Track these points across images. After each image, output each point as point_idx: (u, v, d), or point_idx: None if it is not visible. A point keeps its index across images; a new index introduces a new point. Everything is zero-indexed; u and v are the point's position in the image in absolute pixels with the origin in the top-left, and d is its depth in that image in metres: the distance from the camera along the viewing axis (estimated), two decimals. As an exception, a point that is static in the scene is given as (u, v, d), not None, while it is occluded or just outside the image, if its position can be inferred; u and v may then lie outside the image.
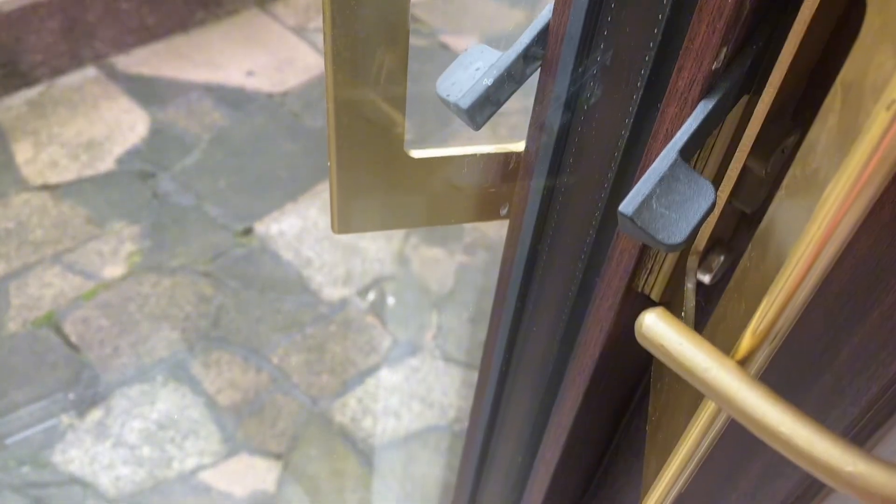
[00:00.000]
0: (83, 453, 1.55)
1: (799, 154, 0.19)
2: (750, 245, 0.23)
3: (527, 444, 0.42)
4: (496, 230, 2.04)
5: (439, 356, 1.78)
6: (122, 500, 1.50)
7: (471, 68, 0.27)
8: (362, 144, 0.31)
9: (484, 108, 0.27)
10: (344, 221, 0.34)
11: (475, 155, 0.33)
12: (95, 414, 1.61)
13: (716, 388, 0.20)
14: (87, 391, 1.63)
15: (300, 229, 1.96)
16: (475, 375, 1.78)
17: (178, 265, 1.85)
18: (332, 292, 1.86)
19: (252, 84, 2.32)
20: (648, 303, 0.33)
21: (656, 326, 0.21)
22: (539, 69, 0.30)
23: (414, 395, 1.72)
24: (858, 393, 0.31)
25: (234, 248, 1.90)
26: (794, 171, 0.19)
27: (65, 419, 1.59)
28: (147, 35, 2.35)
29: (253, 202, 2.00)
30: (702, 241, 0.29)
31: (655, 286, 0.31)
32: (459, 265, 1.97)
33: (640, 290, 0.32)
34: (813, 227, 0.18)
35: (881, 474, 0.17)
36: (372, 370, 1.74)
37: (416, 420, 1.67)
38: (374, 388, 1.72)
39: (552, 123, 0.28)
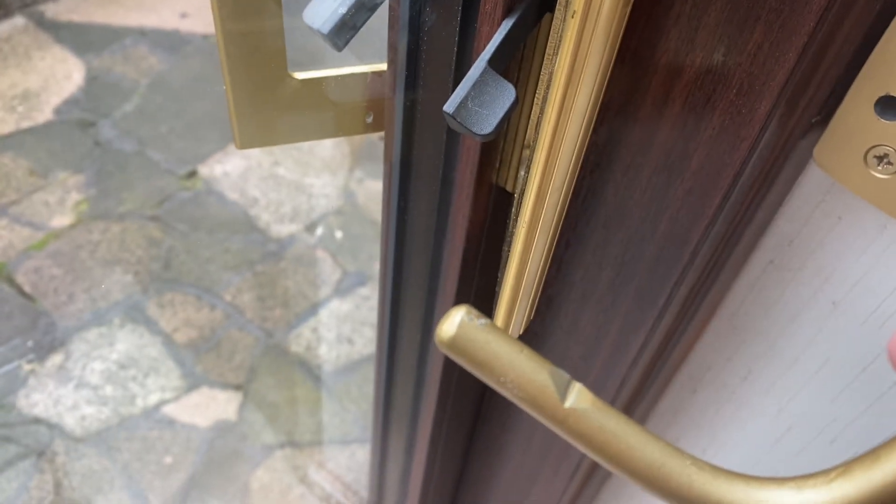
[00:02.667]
0: (46, 396, 1.60)
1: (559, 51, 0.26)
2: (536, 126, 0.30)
3: (422, 326, 0.49)
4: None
5: (388, 285, 1.85)
6: (89, 438, 1.56)
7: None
8: (251, 69, 0.36)
9: (342, 32, 0.32)
10: (245, 138, 0.39)
11: (348, 74, 0.39)
12: (55, 359, 1.65)
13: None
14: (45, 337, 1.67)
15: (244, 169, 1.99)
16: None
17: (126, 211, 1.88)
18: (280, 229, 1.91)
19: (186, 26, 2.31)
20: (503, 193, 0.39)
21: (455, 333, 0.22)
22: (388, -2, 0.36)
23: (365, 322, 1.79)
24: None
25: (180, 191, 1.93)
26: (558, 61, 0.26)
27: (25, 366, 1.63)
28: (74, -20, 2.31)
29: (195, 145, 2.02)
30: (530, 137, 0.35)
31: (508, 179, 0.38)
32: (404, 197, 2.02)
33: (495, 182, 0.39)
34: (550, 104, 0.24)
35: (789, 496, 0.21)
36: (323, 301, 1.81)
37: (369, 345, 1.75)
38: (327, 318, 1.79)
39: (402, 45, 0.34)
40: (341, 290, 1.84)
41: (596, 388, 0.52)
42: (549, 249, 0.29)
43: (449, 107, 0.27)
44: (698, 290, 0.42)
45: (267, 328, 1.74)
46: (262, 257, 1.85)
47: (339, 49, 0.33)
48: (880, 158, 0.33)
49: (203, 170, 1.97)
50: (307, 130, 0.40)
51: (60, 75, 2.12)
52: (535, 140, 0.27)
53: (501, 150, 0.36)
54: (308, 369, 1.69)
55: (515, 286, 0.30)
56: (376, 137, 2.13)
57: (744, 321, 0.46)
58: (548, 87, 0.32)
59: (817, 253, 0.40)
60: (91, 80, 2.12)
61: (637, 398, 0.52)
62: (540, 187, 0.26)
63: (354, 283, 1.85)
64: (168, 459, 1.56)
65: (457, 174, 0.36)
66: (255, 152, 2.02)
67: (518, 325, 0.34)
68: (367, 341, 1.76)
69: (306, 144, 2.07)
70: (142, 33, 2.26)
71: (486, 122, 0.27)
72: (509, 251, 0.33)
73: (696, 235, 0.36)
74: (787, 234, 0.41)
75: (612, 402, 0.51)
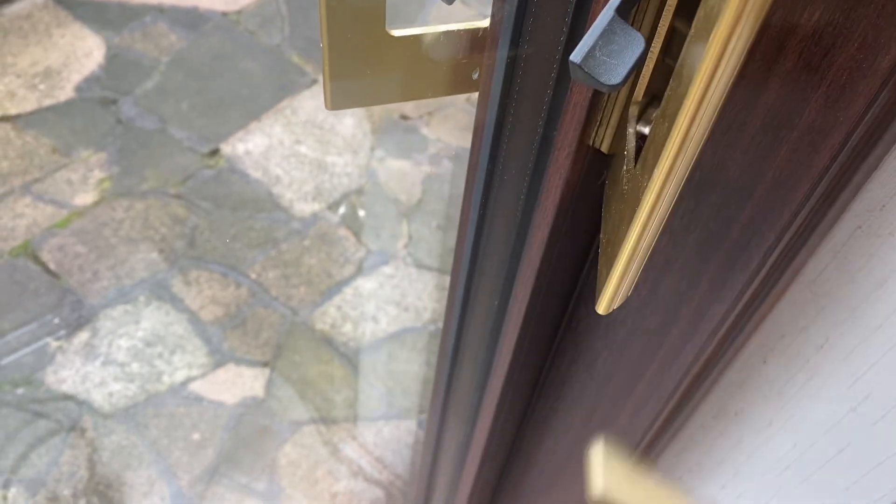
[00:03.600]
0: (74, 373, 1.61)
1: (702, 2, 0.25)
2: (667, 88, 0.29)
3: (501, 292, 0.49)
4: (458, 139, 2.09)
5: (411, 263, 1.85)
6: (117, 415, 1.58)
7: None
8: (349, 27, 0.36)
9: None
10: (336, 98, 0.39)
11: (447, 31, 0.38)
12: (82, 336, 1.66)
13: None
14: (71, 315, 1.68)
15: (266, 147, 1.99)
16: (446, 279, 1.88)
17: (149, 189, 1.88)
18: (304, 208, 1.90)
19: (205, 3, 2.29)
20: (600, 155, 0.39)
21: None
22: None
23: (389, 301, 1.79)
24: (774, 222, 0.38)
25: (203, 169, 1.93)
26: (699, 14, 0.25)
27: (53, 342, 1.64)
28: (92, -43, 2.29)
29: (217, 123, 2.02)
30: (640, 93, 0.35)
31: (605, 139, 0.37)
32: (426, 176, 2.02)
33: (592, 144, 0.39)
34: (709, 52, 0.24)
35: None
36: (348, 280, 1.81)
37: (393, 323, 1.75)
38: (351, 297, 1.79)
39: (510, -2, 0.33)
40: (365, 269, 1.84)
41: (667, 360, 0.51)
42: (669, 209, 0.29)
43: (576, 56, 0.27)
44: (785, 256, 0.41)
45: (292, 306, 1.74)
46: (286, 235, 1.85)
47: (450, 2, 0.33)
48: None
49: (225, 148, 1.97)
50: (400, 91, 0.39)
51: (81, 53, 2.11)
52: (677, 89, 0.26)
53: (604, 107, 0.35)
54: (334, 347, 1.70)
55: (634, 249, 0.29)
56: (397, 116, 2.12)
57: (825, 288, 0.46)
58: (668, 37, 0.31)
59: (911, 217, 0.39)
60: (111, 57, 2.12)
61: (706, 371, 0.52)
62: (684, 139, 0.25)
63: (378, 261, 1.85)
64: (196, 436, 1.57)
65: (557, 133, 0.35)
66: (276, 131, 2.02)
67: (625, 292, 0.33)
68: (391, 319, 1.76)
69: (328, 123, 2.06)
70: (160, 10, 2.25)
71: (615, 71, 0.27)
72: (621, 212, 0.32)
73: (797, 197, 0.35)
74: (880, 198, 0.40)
75: (683, 376, 0.50)
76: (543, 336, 0.59)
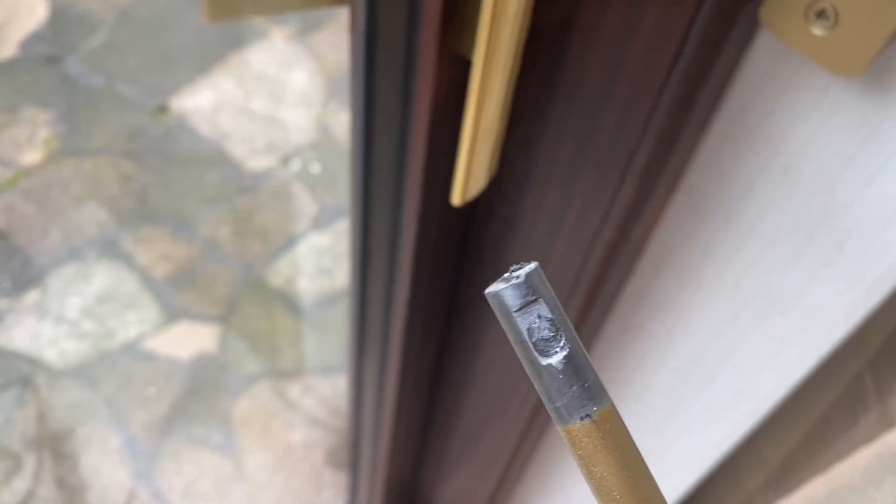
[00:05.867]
0: (25, 332, 1.61)
1: None
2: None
3: (392, 203, 0.50)
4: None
5: (365, 217, 1.86)
6: (70, 372, 1.58)
7: None
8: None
9: None
10: (215, 9, 0.39)
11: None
12: (32, 295, 1.65)
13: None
14: (20, 274, 1.67)
15: (216, 103, 1.97)
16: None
17: (97, 147, 1.86)
18: (256, 163, 1.90)
19: (152, -42, 2.24)
20: (464, 65, 0.40)
21: None
22: None
23: (343, 255, 1.80)
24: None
25: (152, 126, 1.91)
26: None
27: (2, 302, 1.63)
28: (32, -89, 2.23)
29: (165, 79, 1.99)
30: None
31: (469, 48, 0.39)
32: (379, 130, 2.01)
33: (459, 53, 0.40)
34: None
35: None
36: (301, 235, 1.81)
37: (348, 277, 1.76)
38: (305, 251, 1.79)
39: None
40: (319, 224, 1.84)
41: (562, 264, 0.53)
42: (506, 99, 0.30)
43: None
44: (656, 160, 0.43)
45: (246, 261, 1.74)
46: (238, 192, 1.84)
47: None
48: (819, 14, 0.34)
49: (174, 104, 1.95)
50: (276, 2, 0.40)
51: (23, 9, 2.06)
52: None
53: (462, 16, 0.36)
54: (288, 301, 1.71)
55: (473, 131, 0.31)
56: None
57: (702, 196, 0.48)
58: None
59: (769, 120, 0.41)
60: (56, 14, 2.07)
61: (602, 280, 0.54)
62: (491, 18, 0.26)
63: (332, 216, 1.85)
64: (151, 391, 1.57)
65: (419, 42, 0.36)
66: (227, 86, 2.00)
67: (477, 182, 0.35)
68: (345, 274, 1.77)
69: (280, 77, 2.04)
70: (106, -34, 2.20)
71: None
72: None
73: (649, 100, 0.37)
74: (740, 103, 0.42)
75: (575, 282, 0.52)
76: (446, 247, 0.60)
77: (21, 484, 1.44)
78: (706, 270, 0.51)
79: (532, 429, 0.71)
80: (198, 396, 1.58)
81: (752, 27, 0.38)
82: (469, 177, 0.33)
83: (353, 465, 1.05)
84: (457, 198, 0.35)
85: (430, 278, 0.57)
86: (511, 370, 0.70)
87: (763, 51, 0.39)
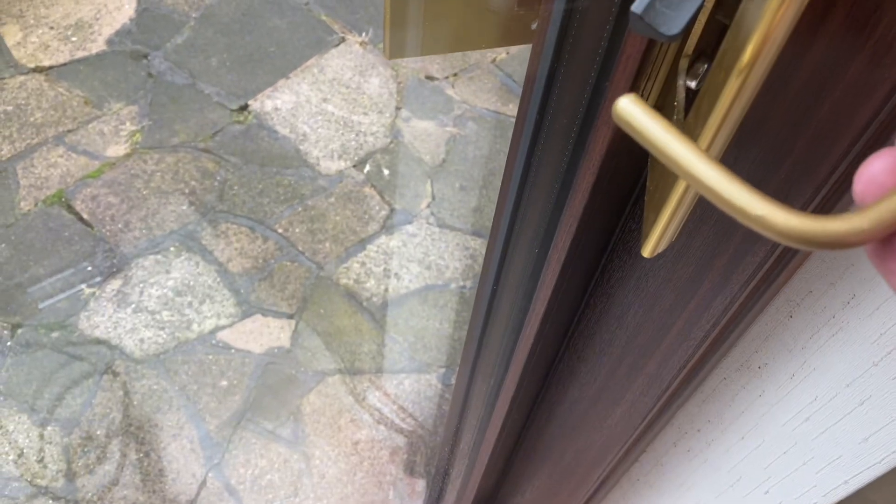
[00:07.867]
0: (106, 319, 1.66)
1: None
2: (724, 42, 0.32)
3: (541, 240, 0.51)
4: (483, 101, 2.10)
5: (434, 223, 1.88)
6: (148, 360, 1.63)
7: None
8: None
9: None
10: (394, 48, 0.41)
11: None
12: (114, 284, 1.71)
13: (670, 155, 0.26)
14: (104, 263, 1.73)
15: (294, 105, 2.01)
16: (468, 239, 1.90)
17: (179, 142, 1.91)
18: (330, 165, 1.93)
19: (235, -41, 2.30)
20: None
21: (628, 107, 0.27)
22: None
23: (412, 259, 1.83)
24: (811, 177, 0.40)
25: (232, 124, 1.96)
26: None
27: (86, 289, 1.69)
28: None
29: (246, 79, 2.04)
30: (690, 47, 0.37)
31: (653, 92, 0.40)
32: (450, 136, 2.04)
33: (640, 95, 0.41)
34: (764, 17, 0.26)
35: (780, 214, 0.24)
36: (371, 237, 1.84)
37: (416, 280, 1.79)
38: (375, 254, 1.82)
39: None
40: (388, 227, 1.87)
41: (697, 311, 0.54)
42: (720, 157, 0.31)
43: (637, 7, 0.29)
44: (820, 211, 0.44)
45: (318, 260, 1.78)
46: (313, 192, 1.88)
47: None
48: None
49: (254, 104, 1.99)
50: (461, 40, 0.42)
51: (112, 6, 2.13)
52: (734, 41, 0.28)
53: (654, 60, 0.38)
54: (357, 302, 1.74)
55: (683, 193, 0.32)
56: (423, 76, 2.12)
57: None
58: None
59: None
60: (142, 11, 2.13)
61: (733, 323, 0.55)
62: (740, 88, 0.28)
63: (401, 220, 1.88)
64: (224, 382, 1.62)
65: (609, 84, 0.38)
66: (304, 89, 2.04)
67: (670, 237, 0.36)
68: (413, 277, 1.80)
69: (355, 82, 2.07)
70: (190, -35, 2.26)
71: (674, 22, 0.29)
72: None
73: (835, 154, 0.38)
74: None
75: (710, 329, 0.53)
76: (578, 286, 0.62)
77: (106, 469, 1.49)
78: (848, 318, 0.51)
79: (626, 447, 0.72)
80: (269, 390, 1.62)
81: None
82: (666, 231, 0.35)
83: (442, 475, 1.07)
84: (648, 251, 0.37)
85: (556, 317, 0.58)
86: (608, 393, 0.71)
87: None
